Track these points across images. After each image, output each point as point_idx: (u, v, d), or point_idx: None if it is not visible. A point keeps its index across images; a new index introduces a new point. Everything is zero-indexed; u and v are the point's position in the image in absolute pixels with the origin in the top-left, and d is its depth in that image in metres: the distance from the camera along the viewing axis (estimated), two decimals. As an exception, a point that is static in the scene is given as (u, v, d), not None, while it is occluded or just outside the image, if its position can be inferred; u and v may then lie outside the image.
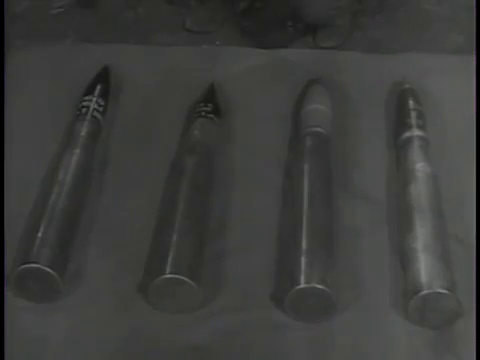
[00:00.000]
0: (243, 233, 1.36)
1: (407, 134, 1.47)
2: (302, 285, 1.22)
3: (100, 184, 1.44)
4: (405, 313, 1.24)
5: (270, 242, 1.35)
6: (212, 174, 1.43)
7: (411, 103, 1.53)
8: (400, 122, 1.52)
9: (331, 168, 1.42)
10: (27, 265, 1.24)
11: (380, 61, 1.70)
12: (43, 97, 1.59)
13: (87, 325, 1.24)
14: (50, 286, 1.25)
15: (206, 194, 1.39)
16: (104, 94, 1.55)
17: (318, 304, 1.23)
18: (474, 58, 1.60)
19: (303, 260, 1.25)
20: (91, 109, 1.50)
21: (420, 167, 1.40)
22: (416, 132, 1.47)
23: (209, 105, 1.53)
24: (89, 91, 1.54)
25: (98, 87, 1.55)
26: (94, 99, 1.52)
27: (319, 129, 1.47)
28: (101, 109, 1.52)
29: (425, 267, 1.25)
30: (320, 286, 1.21)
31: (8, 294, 1.25)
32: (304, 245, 1.27)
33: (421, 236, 1.29)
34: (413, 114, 1.50)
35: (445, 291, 1.21)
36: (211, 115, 1.51)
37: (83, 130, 1.47)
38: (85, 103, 1.51)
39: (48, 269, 1.24)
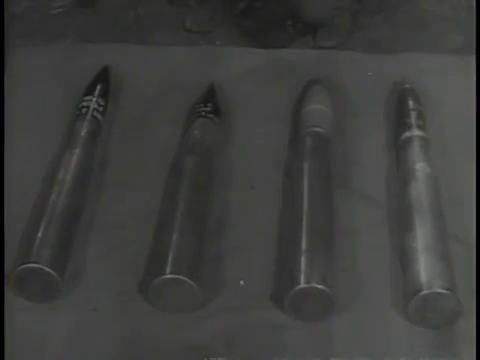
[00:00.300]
0: (243, 233, 1.36)
1: (407, 134, 1.47)
2: (302, 285, 1.22)
3: (100, 184, 1.44)
4: (405, 313, 1.24)
5: (270, 242, 1.35)
6: (212, 174, 1.43)
7: (411, 103, 1.53)
8: (400, 122, 1.52)
9: (331, 168, 1.42)
10: (27, 265, 1.24)
11: (380, 61, 1.70)
12: (43, 97, 1.59)
13: (87, 325, 1.24)
14: (50, 286, 1.25)
15: (206, 194, 1.39)
16: (104, 94, 1.55)
17: (318, 304, 1.23)
18: (474, 58, 1.60)
19: (303, 260, 1.25)
20: (91, 109, 1.50)
21: (420, 167, 1.40)
22: (416, 132, 1.47)
23: (209, 105, 1.53)
24: (89, 91, 1.54)
25: (98, 87, 1.55)
26: (94, 99, 1.52)
27: (319, 129, 1.47)
28: (101, 109, 1.52)
29: (425, 267, 1.25)
30: (320, 286, 1.21)
31: (8, 294, 1.25)
32: (304, 245, 1.28)
33: (421, 236, 1.29)
34: (413, 114, 1.50)
35: (445, 291, 1.21)
36: (211, 115, 1.51)
37: (83, 130, 1.47)
38: (85, 103, 1.51)
39: (48, 269, 1.24)
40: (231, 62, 1.70)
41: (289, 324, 1.24)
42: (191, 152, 1.44)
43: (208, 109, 1.52)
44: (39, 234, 1.28)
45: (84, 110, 1.50)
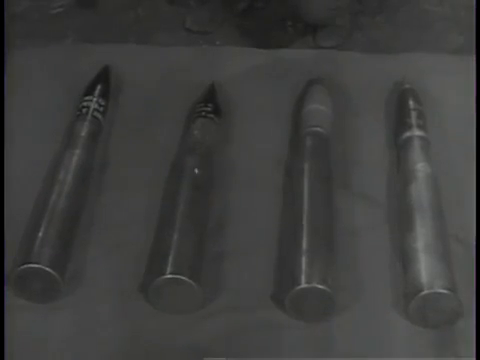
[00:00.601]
0: (243, 233, 1.36)
1: (407, 134, 1.47)
2: (303, 285, 1.22)
3: (100, 184, 1.44)
4: (406, 313, 1.24)
5: (270, 242, 1.34)
6: (212, 174, 1.43)
7: (411, 103, 1.53)
8: (400, 122, 1.52)
9: (331, 168, 1.42)
10: (28, 265, 1.24)
11: (380, 61, 1.70)
12: (43, 97, 1.59)
13: (87, 325, 1.24)
14: (50, 286, 1.25)
15: (206, 194, 1.39)
16: (104, 94, 1.55)
17: (319, 304, 1.23)
18: (474, 58, 1.60)
19: (303, 260, 1.25)
20: (91, 109, 1.50)
21: (420, 167, 1.40)
22: (416, 132, 1.47)
23: (209, 105, 1.53)
24: (89, 91, 1.54)
25: (98, 87, 1.55)
26: (94, 99, 1.52)
27: (319, 129, 1.47)
28: (101, 109, 1.52)
29: (426, 267, 1.25)
30: (321, 286, 1.21)
31: (8, 294, 1.25)
32: (304, 245, 1.27)
33: (421, 236, 1.29)
34: (413, 114, 1.50)
35: (446, 291, 1.21)
36: (211, 115, 1.51)
37: (83, 130, 1.47)
38: (85, 103, 1.51)
39: (49, 269, 1.24)
40: (231, 62, 1.70)
41: (290, 324, 1.24)
42: (191, 152, 1.44)
43: (208, 109, 1.52)
44: (39, 234, 1.28)
45: (84, 110, 1.50)
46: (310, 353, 1.21)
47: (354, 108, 1.59)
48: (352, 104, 1.59)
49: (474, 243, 1.31)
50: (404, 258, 1.30)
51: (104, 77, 1.59)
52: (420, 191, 1.36)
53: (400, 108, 1.55)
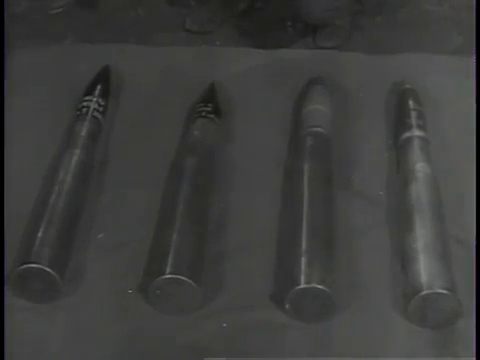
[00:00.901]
0: (243, 233, 1.36)
1: (407, 134, 1.47)
2: (302, 285, 1.22)
3: (100, 184, 1.44)
4: (405, 313, 1.24)
5: (270, 242, 1.35)
6: (212, 174, 1.43)
7: (411, 103, 1.53)
8: (400, 122, 1.52)
9: (331, 168, 1.42)
10: (27, 265, 1.24)
11: (380, 61, 1.70)
12: (43, 97, 1.59)
13: (87, 325, 1.24)
14: (50, 286, 1.25)
15: (206, 194, 1.39)
16: (104, 94, 1.55)
17: (318, 304, 1.23)
18: (474, 58, 1.60)
19: (303, 260, 1.25)
20: (91, 109, 1.50)
21: (420, 167, 1.40)
22: (416, 132, 1.47)
23: (209, 105, 1.53)
24: (89, 91, 1.54)
25: (98, 87, 1.55)
26: (94, 99, 1.52)
27: (319, 129, 1.47)
28: (101, 109, 1.52)
29: (425, 267, 1.25)
30: (320, 286, 1.21)
31: (8, 294, 1.25)
32: (304, 245, 1.28)
33: (421, 236, 1.29)
34: (413, 114, 1.50)
35: (445, 291, 1.21)
36: (211, 115, 1.51)
37: (83, 130, 1.47)
38: (85, 103, 1.51)
39: (48, 269, 1.24)
40: (231, 62, 1.70)
41: (289, 324, 1.24)
42: (191, 152, 1.44)
43: (208, 109, 1.52)
44: (39, 234, 1.28)
45: (84, 110, 1.50)
46: (309, 352, 1.21)
47: (354, 108, 1.59)
48: (352, 104, 1.60)
49: (474, 243, 1.31)
50: (404, 258, 1.30)
51: (104, 77, 1.59)
52: (420, 191, 1.36)
53: (400, 108, 1.55)
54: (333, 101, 1.55)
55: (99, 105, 1.52)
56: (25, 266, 1.24)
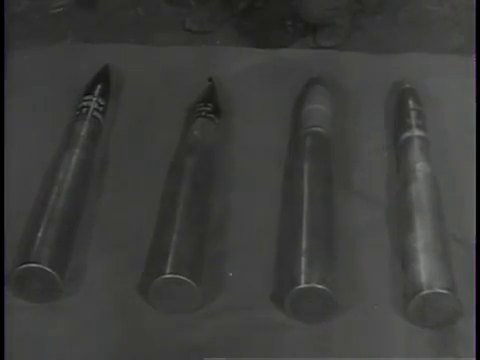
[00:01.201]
0: (243, 233, 1.36)
1: (407, 134, 1.47)
2: (302, 285, 1.22)
3: (100, 184, 1.44)
4: (405, 313, 1.24)
5: (270, 242, 1.35)
6: (212, 174, 1.43)
7: (411, 103, 1.53)
8: (400, 122, 1.52)
9: (331, 168, 1.42)
10: (27, 265, 1.24)
11: (380, 61, 1.70)
12: (43, 97, 1.59)
13: (87, 325, 1.24)
14: (50, 286, 1.25)
15: (206, 194, 1.39)
16: (104, 94, 1.55)
17: (318, 304, 1.23)
18: (474, 58, 1.60)
19: (303, 260, 1.25)
20: (91, 109, 1.50)
21: (420, 167, 1.40)
22: (416, 132, 1.47)
23: (209, 105, 1.53)
24: (89, 91, 1.54)
25: (98, 87, 1.55)
26: (94, 99, 1.52)
27: (319, 129, 1.47)
28: (101, 109, 1.52)
29: (425, 267, 1.25)
30: (320, 286, 1.21)
31: (8, 294, 1.25)
32: (304, 245, 1.27)
33: (421, 236, 1.29)
34: (413, 114, 1.50)
35: (445, 291, 1.21)
36: (211, 115, 1.51)
37: (83, 130, 1.47)
38: (85, 103, 1.51)
39: (48, 269, 1.24)
40: (231, 62, 1.70)
41: (289, 324, 1.24)
42: (191, 152, 1.44)
43: (208, 109, 1.52)
44: (39, 234, 1.28)
45: (84, 110, 1.50)
46: (309, 352, 1.21)
47: (354, 108, 1.59)
48: (352, 104, 1.59)
49: (474, 243, 1.31)
50: (404, 258, 1.30)
51: (104, 77, 1.59)
52: (420, 191, 1.36)
53: (400, 108, 1.55)
54: (333, 101, 1.55)
55: (99, 105, 1.52)
56: (25, 266, 1.24)
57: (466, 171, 1.42)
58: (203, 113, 1.51)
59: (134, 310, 1.26)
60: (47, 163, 1.45)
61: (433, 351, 1.21)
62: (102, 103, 1.53)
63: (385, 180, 1.45)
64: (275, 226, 1.37)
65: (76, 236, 1.34)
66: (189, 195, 1.36)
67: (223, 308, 1.26)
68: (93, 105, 1.51)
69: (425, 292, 1.22)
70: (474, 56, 1.60)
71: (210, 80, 1.59)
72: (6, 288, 1.25)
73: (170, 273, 1.23)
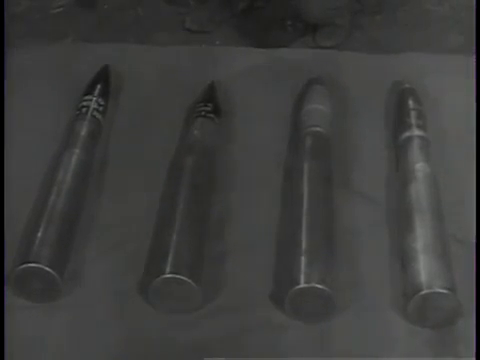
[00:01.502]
0: (243, 233, 1.36)
1: (407, 134, 1.47)
2: (302, 285, 1.22)
3: (100, 184, 1.44)
4: (405, 313, 1.24)
5: (270, 242, 1.35)
6: (212, 174, 1.43)
7: (411, 103, 1.53)
8: (400, 122, 1.52)
9: (331, 168, 1.42)
10: (27, 265, 1.24)
11: (380, 61, 1.70)
12: (43, 97, 1.59)
13: (87, 325, 1.24)
14: (50, 286, 1.25)
15: (206, 194, 1.39)
16: (104, 94, 1.55)
17: (318, 304, 1.23)
18: (474, 58, 1.60)
19: (303, 260, 1.25)
20: (91, 109, 1.50)
21: (420, 167, 1.40)
22: (416, 132, 1.47)
23: (209, 105, 1.53)
24: (89, 91, 1.54)
25: (98, 87, 1.55)
26: (94, 99, 1.52)
27: (319, 129, 1.47)
28: (101, 109, 1.52)
29: (425, 267, 1.25)
30: (320, 286, 1.21)
31: (8, 294, 1.25)
32: (304, 245, 1.28)
33: (421, 236, 1.29)
34: (413, 114, 1.50)
35: (445, 291, 1.21)
36: (211, 115, 1.51)
37: (83, 130, 1.47)
38: (85, 103, 1.51)
39: (48, 269, 1.24)
40: (231, 62, 1.70)
41: (289, 324, 1.24)
42: (191, 152, 1.44)
43: (208, 109, 1.52)
44: (39, 234, 1.28)
45: (84, 110, 1.50)
46: (309, 352, 1.21)
47: (354, 108, 1.59)
48: (352, 104, 1.59)
49: (474, 243, 1.31)
50: (403, 258, 1.30)
51: (104, 77, 1.59)
52: (419, 191, 1.36)
53: (400, 108, 1.55)
54: (333, 101, 1.55)
55: (99, 105, 1.51)
56: (25, 266, 1.24)
57: (466, 171, 1.42)
58: (203, 113, 1.51)
59: (134, 310, 1.26)
60: (47, 163, 1.45)
61: (433, 351, 1.21)
62: (102, 103, 1.52)
63: (385, 180, 1.45)
64: (275, 226, 1.37)
65: (76, 236, 1.34)
66: (189, 195, 1.36)
67: (223, 308, 1.26)
68: (93, 105, 1.51)
69: (425, 292, 1.22)
70: (474, 56, 1.60)
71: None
72: (6, 288, 1.25)
73: (170, 273, 1.23)
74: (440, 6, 1.94)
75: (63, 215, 1.32)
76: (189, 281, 1.22)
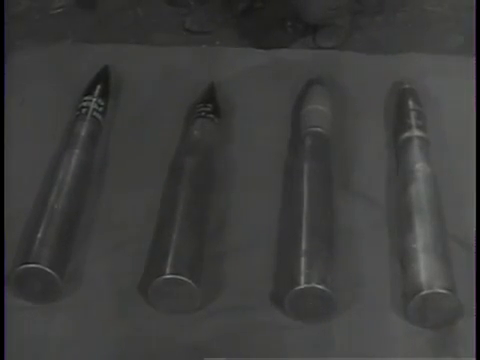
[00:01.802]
0: (243, 233, 1.36)
1: (407, 134, 1.47)
2: (302, 285, 1.22)
3: (100, 184, 1.44)
4: (405, 313, 1.24)
5: (270, 242, 1.35)
6: (212, 174, 1.43)
7: (411, 103, 1.53)
8: (400, 122, 1.52)
9: (331, 168, 1.42)
10: (27, 265, 1.24)
11: (380, 61, 1.70)
12: (43, 97, 1.59)
13: (87, 325, 1.24)
14: (50, 286, 1.25)
15: (206, 194, 1.39)
16: (104, 94, 1.55)
17: (318, 304, 1.23)
18: (474, 58, 1.60)
19: (303, 260, 1.25)
20: (91, 109, 1.50)
21: (420, 167, 1.40)
22: (416, 132, 1.47)
23: (209, 105, 1.53)
24: (89, 91, 1.54)
25: (98, 87, 1.55)
26: (94, 99, 1.52)
27: (319, 129, 1.47)
28: (101, 109, 1.52)
29: (425, 267, 1.25)
30: (320, 286, 1.21)
31: (8, 294, 1.25)
32: (304, 245, 1.28)
33: (421, 236, 1.29)
34: (413, 114, 1.50)
35: (445, 291, 1.21)
36: (211, 115, 1.51)
37: (83, 130, 1.47)
38: (85, 103, 1.51)
39: (48, 269, 1.24)
40: (231, 62, 1.70)
41: (289, 324, 1.24)
42: (191, 152, 1.44)
43: (208, 109, 1.52)
44: (39, 234, 1.28)
45: (84, 110, 1.50)
46: (309, 353, 1.21)
47: (354, 108, 1.59)
48: (352, 104, 1.60)
49: (474, 243, 1.31)
50: (403, 258, 1.30)
51: (104, 77, 1.59)
52: (419, 191, 1.36)
53: (399, 108, 1.55)
54: (333, 101, 1.55)
55: (99, 105, 1.52)
56: (25, 266, 1.24)
57: (466, 171, 1.42)
58: (203, 113, 1.51)
59: (134, 310, 1.26)
60: (47, 163, 1.45)
61: (433, 351, 1.21)
62: (102, 103, 1.53)
63: (385, 180, 1.45)
64: (275, 226, 1.37)
65: (76, 236, 1.34)
66: (189, 195, 1.36)
67: (223, 308, 1.26)
68: (93, 105, 1.51)
69: (425, 292, 1.22)
70: (474, 56, 1.60)
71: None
72: (6, 288, 1.25)
73: (170, 273, 1.23)
74: (440, 7, 1.94)
75: (63, 215, 1.32)
76: (189, 281, 1.22)
